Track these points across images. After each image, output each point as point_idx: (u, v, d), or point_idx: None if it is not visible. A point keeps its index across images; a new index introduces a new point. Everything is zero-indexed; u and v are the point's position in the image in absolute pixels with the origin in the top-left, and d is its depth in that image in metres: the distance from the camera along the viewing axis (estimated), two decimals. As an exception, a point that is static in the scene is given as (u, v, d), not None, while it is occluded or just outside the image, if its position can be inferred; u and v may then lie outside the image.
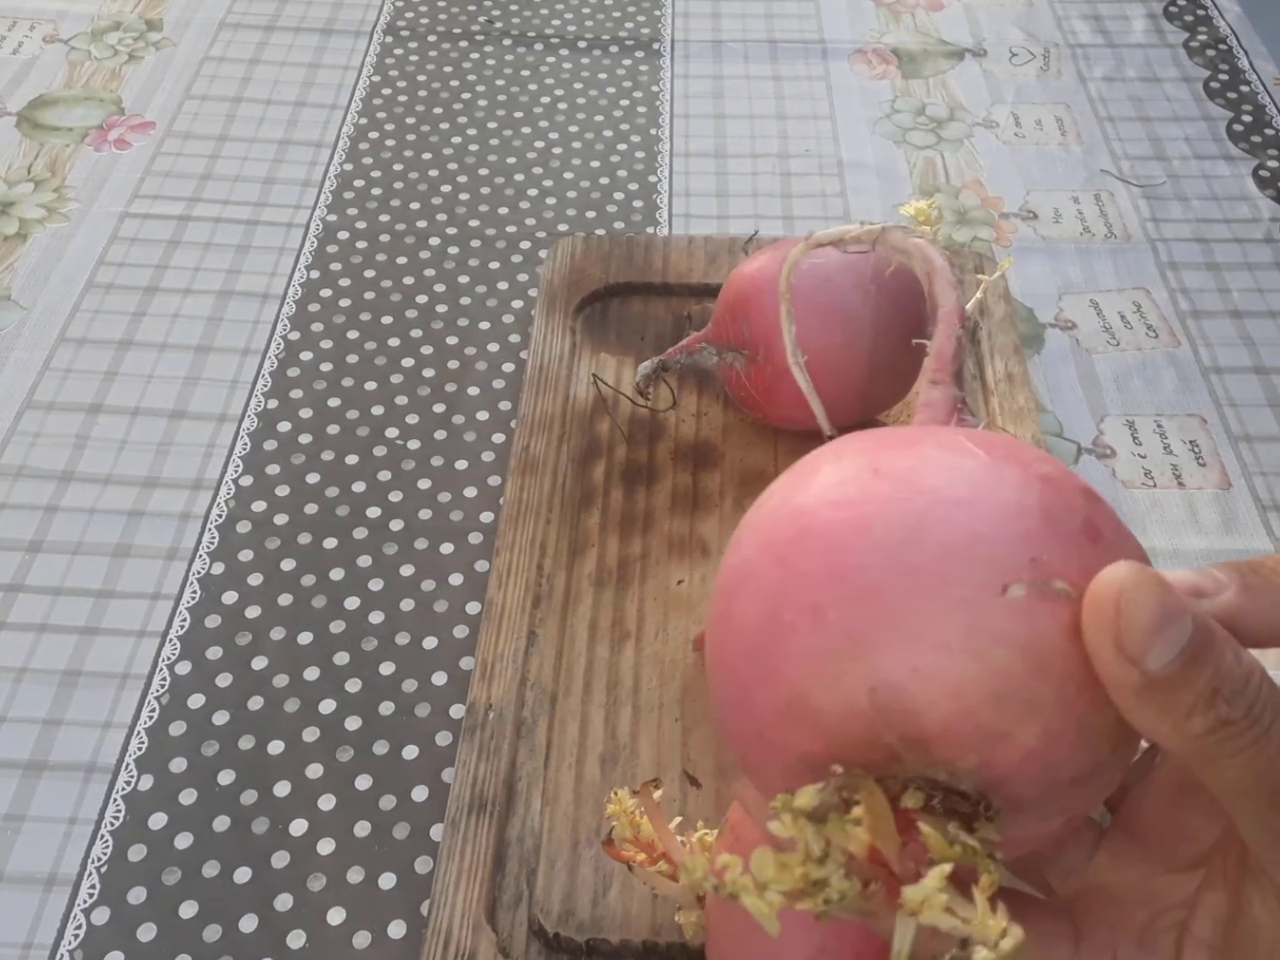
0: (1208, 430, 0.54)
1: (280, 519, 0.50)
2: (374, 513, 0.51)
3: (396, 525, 0.50)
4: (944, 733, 0.22)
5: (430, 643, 0.47)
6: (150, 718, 0.44)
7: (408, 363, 0.57)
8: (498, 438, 0.53)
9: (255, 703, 0.45)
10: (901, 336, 0.47)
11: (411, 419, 0.54)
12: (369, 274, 0.61)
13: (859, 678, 0.23)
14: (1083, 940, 0.26)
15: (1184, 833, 0.26)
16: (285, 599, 0.48)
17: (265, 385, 0.55)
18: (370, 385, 0.56)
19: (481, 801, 0.40)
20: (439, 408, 0.55)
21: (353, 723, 0.44)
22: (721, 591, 0.27)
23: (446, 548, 0.49)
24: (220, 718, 0.44)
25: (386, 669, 0.46)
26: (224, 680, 0.45)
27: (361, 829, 0.42)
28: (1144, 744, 0.24)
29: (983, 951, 0.21)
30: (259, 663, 0.46)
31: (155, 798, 0.42)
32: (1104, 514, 0.25)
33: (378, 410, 0.55)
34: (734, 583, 0.26)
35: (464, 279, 0.61)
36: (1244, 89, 0.72)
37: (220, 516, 0.50)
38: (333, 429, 0.54)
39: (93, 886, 0.40)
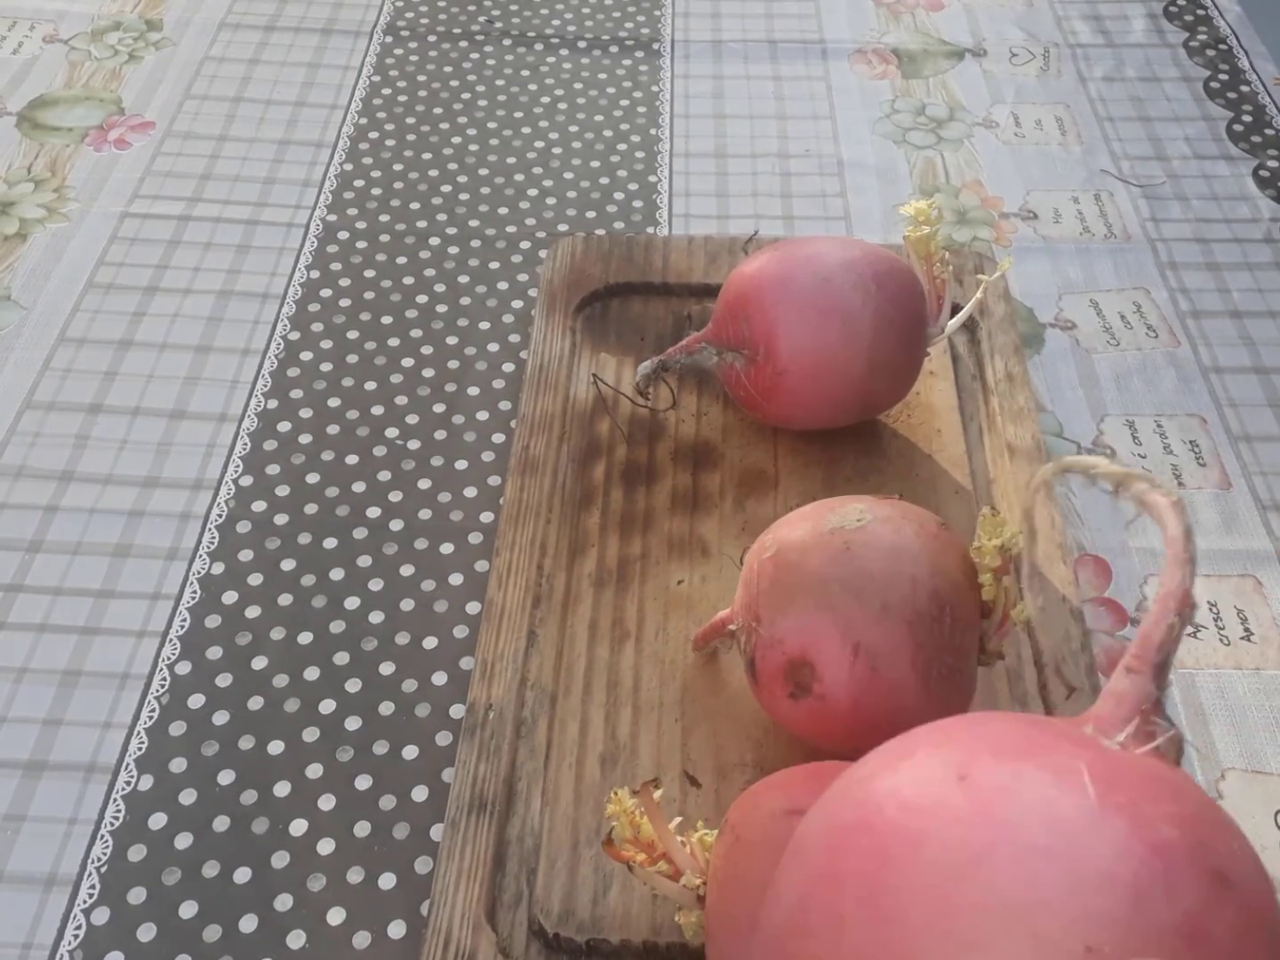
0: (1208, 430, 0.54)
1: (280, 519, 0.50)
2: (374, 513, 0.51)
3: (396, 525, 0.50)
4: None
5: (430, 643, 0.47)
6: (150, 718, 0.44)
7: (408, 363, 0.57)
8: (498, 438, 0.53)
9: (255, 703, 0.45)
10: (901, 336, 0.47)
11: (411, 419, 0.54)
12: (369, 274, 0.61)
13: None
14: None
15: None
16: (285, 599, 0.48)
17: (265, 385, 0.55)
18: (370, 385, 0.56)
19: (481, 801, 0.40)
20: (439, 408, 0.55)
21: (353, 723, 0.44)
22: (792, 841, 0.24)
23: (446, 548, 0.49)
24: (220, 718, 0.44)
25: (386, 669, 0.46)
26: (224, 680, 0.45)
27: (361, 829, 0.42)
28: None
29: None
30: (259, 663, 0.46)
31: (155, 798, 0.42)
32: (1227, 914, 0.19)
33: (378, 410, 0.55)
34: (796, 844, 0.24)
35: (464, 279, 0.61)
36: (1244, 89, 0.72)
37: (220, 516, 0.50)
38: (333, 429, 0.54)
39: (93, 886, 0.40)
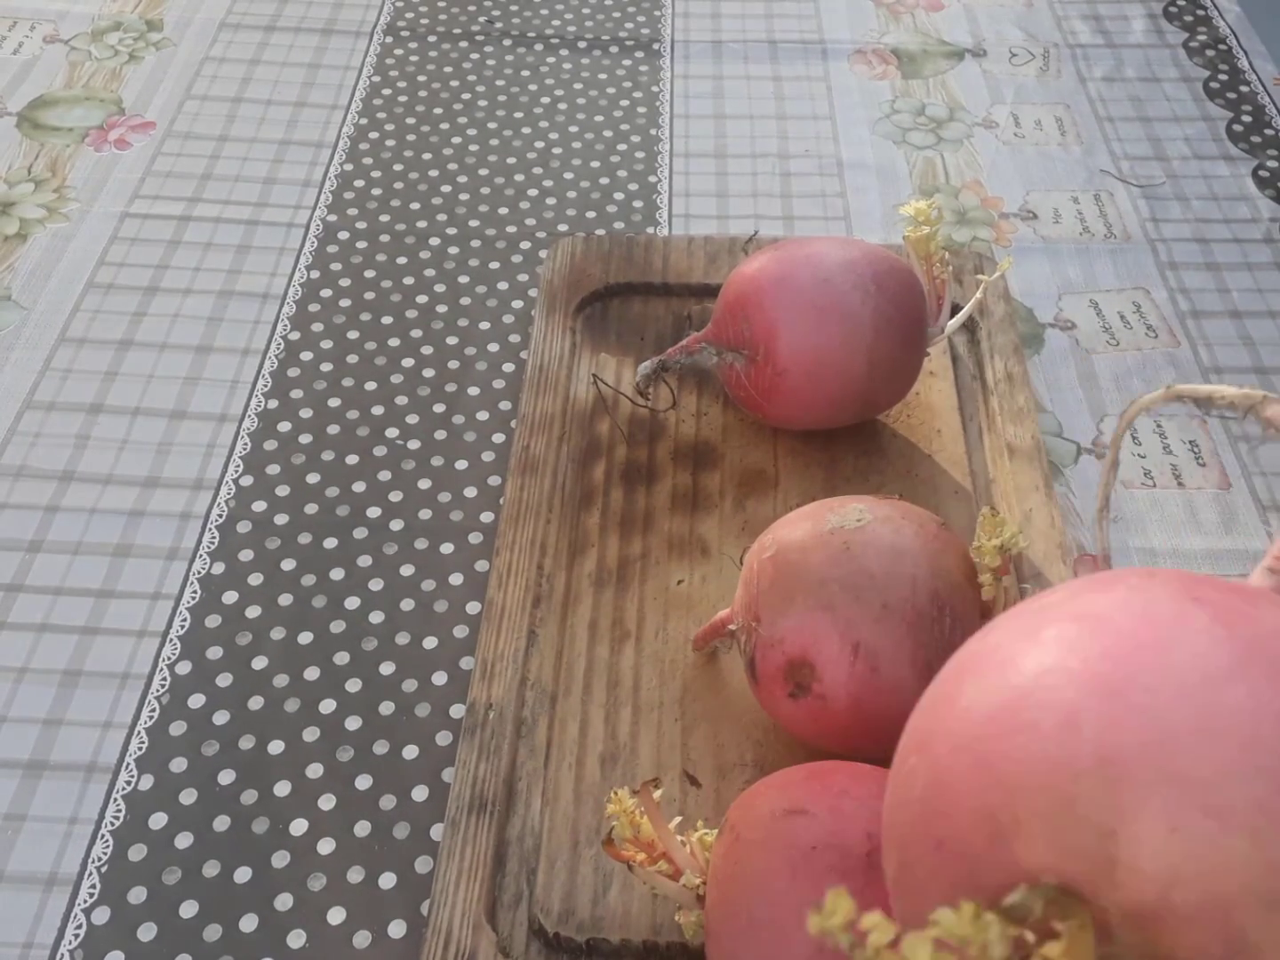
0: (1207, 430, 0.54)
1: (280, 519, 0.50)
2: (374, 513, 0.51)
3: (396, 525, 0.50)
4: (1183, 920, 0.18)
5: (430, 643, 0.47)
6: (150, 718, 0.44)
7: (408, 363, 0.57)
8: (498, 438, 0.54)
9: (255, 703, 0.45)
10: (901, 336, 0.47)
11: (411, 419, 0.54)
12: (369, 274, 0.61)
13: (1099, 813, 0.18)
14: None
15: None
16: (285, 599, 0.48)
17: (265, 385, 0.56)
18: (370, 385, 0.56)
19: (481, 801, 0.40)
20: (439, 408, 0.55)
21: (353, 723, 0.44)
22: (959, 660, 0.23)
23: (446, 548, 0.50)
24: (220, 717, 0.44)
25: (386, 669, 0.46)
26: (224, 680, 0.45)
27: (361, 829, 0.42)
28: None
29: None
30: (259, 663, 0.46)
31: (155, 797, 0.42)
32: None
33: (378, 410, 0.55)
34: (969, 657, 0.22)
35: (464, 279, 0.61)
36: (1244, 89, 0.72)
37: (220, 516, 0.50)
38: (333, 429, 0.54)
39: (93, 886, 0.40)
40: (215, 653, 0.46)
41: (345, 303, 0.59)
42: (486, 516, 0.51)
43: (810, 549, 0.38)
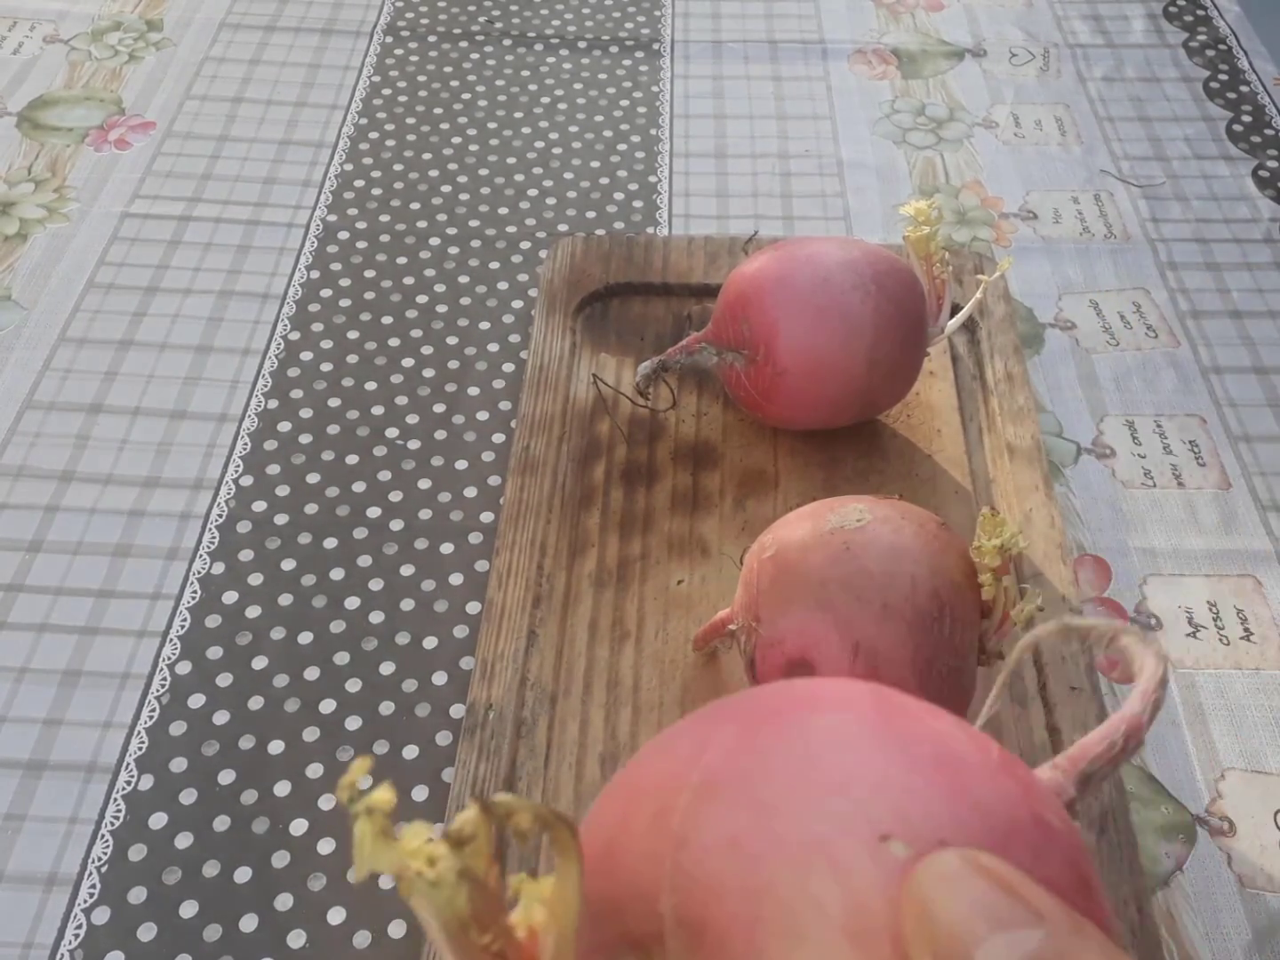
0: (1207, 430, 0.54)
1: (280, 519, 0.50)
2: (374, 513, 0.51)
3: (396, 525, 0.50)
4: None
5: (430, 643, 0.47)
6: (150, 718, 0.44)
7: (408, 363, 0.57)
8: (498, 438, 0.54)
9: (255, 703, 0.45)
10: (901, 336, 0.47)
11: (411, 419, 0.54)
12: (369, 274, 0.61)
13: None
14: None
15: None
16: (285, 599, 0.48)
17: (265, 385, 0.56)
18: (370, 385, 0.56)
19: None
20: (439, 408, 0.55)
21: (353, 723, 0.44)
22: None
23: (446, 548, 0.50)
24: (220, 717, 0.44)
25: (386, 669, 0.46)
26: (224, 680, 0.45)
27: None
28: None
29: None
30: (259, 663, 0.46)
31: (155, 797, 0.42)
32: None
33: (378, 410, 0.55)
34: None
35: (464, 279, 0.61)
36: (1244, 89, 0.72)
37: (220, 516, 0.50)
38: (333, 429, 0.54)
39: (93, 886, 0.40)
40: (215, 653, 0.46)
41: (345, 303, 0.59)
42: (486, 516, 0.51)
43: (810, 549, 0.38)
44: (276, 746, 0.44)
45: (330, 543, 0.50)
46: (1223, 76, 0.73)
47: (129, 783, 0.43)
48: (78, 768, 0.43)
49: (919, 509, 0.40)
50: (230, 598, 0.48)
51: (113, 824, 0.42)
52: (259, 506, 0.51)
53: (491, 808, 0.20)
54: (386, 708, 0.45)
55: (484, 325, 0.58)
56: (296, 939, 0.39)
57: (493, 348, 0.57)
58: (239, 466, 0.52)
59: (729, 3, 0.78)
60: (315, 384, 0.56)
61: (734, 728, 0.23)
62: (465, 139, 0.68)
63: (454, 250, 0.62)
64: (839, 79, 0.73)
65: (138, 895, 0.40)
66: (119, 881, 0.40)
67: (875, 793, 0.20)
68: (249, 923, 0.39)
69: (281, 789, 0.43)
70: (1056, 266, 0.61)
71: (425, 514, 0.51)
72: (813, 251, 0.47)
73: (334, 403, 0.55)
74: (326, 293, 0.60)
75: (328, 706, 0.45)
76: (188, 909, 0.40)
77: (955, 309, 0.51)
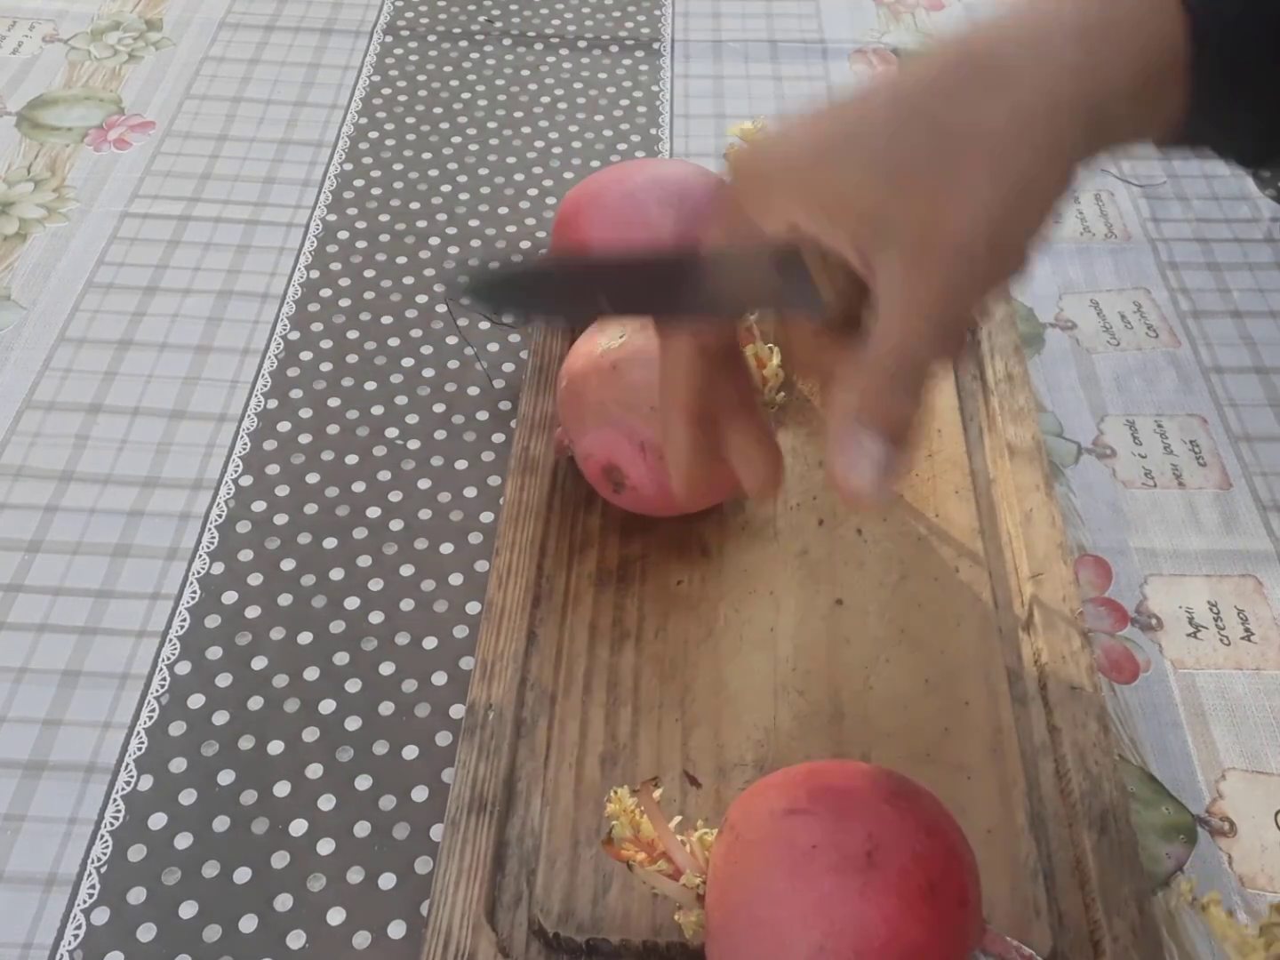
0: (1208, 430, 0.54)
1: (280, 519, 0.50)
2: (374, 513, 0.51)
3: (396, 525, 0.50)
4: None
5: (430, 643, 0.47)
6: (150, 718, 0.44)
7: (408, 363, 0.57)
8: (498, 438, 0.53)
9: (255, 703, 0.45)
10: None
11: (411, 419, 0.54)
12: (369, 274, 0.61)
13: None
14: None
15: None
16: (285, 599, 0.48)
17: (265, 385, 0.55)
18: (370, 385, 0.56)
19: (481, 801, 0.40)
20: (439, 408, 0.55)
21: (353, 723, 0.44)
22: None
23: (446, 548, 0.49)
24: (220, 718, 0.44)
25: (386, 669, 0.46)
26: (224, 680, 0.45)
27: (361, 829, 0.42)
28: None
29: None
30: (259, 663, 0.46)
31: (155, 798, 0.42)
32: None
33: (378, 410, 0.55)
34: None
35: (464, 279, 0.60)
36: (1244, 89, 0.72)
37: (220, 516, 0.50)
38: (333, 429, 0.54)
39: (93, 886, 0.40)
40: (215, 653, 0.46)
41: (345, 303, 0.59)
42: (486, 516, 0.51)
43: (589, 375, 0.46)
44: (276, 747, 0.44)
45: (330, 543, 0.50)
46: (1223, 76, 0.72)
47: (128, 783, 0.43)
48: (77, 768, 0.43)
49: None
50: (230, 598, 0.48)
51: (112, 824, 0.42)
52: (259, 506, 0.51)
53: None
54: (386, 708, 0.45)
55: (484, 325, 0.58)
56: (296, 939, 0.39)
57: (493, 348, 0.57)
58: (238, 466, 0.52)
59: (729, 2, 0.78)
60: (315, 384, 0.56)
61: None
62: (465, 139, 0.68)
63: (454, 250, 0.62)
64: (839, 79, 0.72)
65: (137, 895, 0.40)
66: (118, 882, 0.40)
67: None
68: (249, 923, 0.39)
69: (281, 789, 0.42)
70: (1057, 266, 0.61)
71: (425, 514, 0.51)
72: (626, 172, 0.53)
73: (334, 403, 0.55)
74: (326, 292, 0.60)
75: (327, 707, 0.45)
76: (187, 909, 0.40)
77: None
